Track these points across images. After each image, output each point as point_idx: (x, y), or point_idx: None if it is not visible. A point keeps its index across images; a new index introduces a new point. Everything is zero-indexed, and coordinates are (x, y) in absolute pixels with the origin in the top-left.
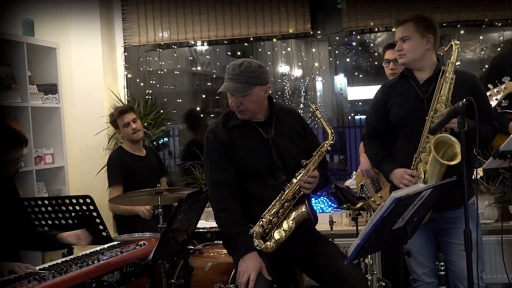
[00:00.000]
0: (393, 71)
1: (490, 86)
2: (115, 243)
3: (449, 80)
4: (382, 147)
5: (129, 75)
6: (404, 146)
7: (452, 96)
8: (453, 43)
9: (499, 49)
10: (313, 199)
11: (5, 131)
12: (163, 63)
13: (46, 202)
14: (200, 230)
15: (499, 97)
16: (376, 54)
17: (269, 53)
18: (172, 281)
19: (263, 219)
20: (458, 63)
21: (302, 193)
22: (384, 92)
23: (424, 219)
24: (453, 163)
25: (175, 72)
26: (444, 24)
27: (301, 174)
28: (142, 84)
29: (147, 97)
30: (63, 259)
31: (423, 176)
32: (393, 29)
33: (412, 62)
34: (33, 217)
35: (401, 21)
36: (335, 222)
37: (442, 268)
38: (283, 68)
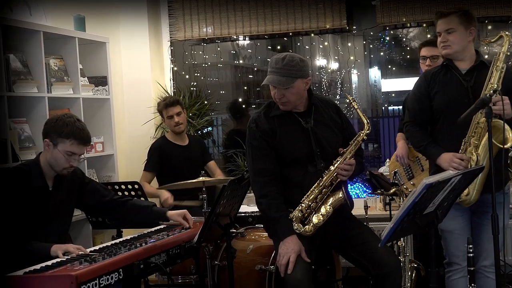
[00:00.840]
0: (429, 68)
1: None
2: (161, 226)
3: (499, 69)
4: (425, 133)
5: (175, 68)
6: (448, 132)
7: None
8: (503, 34)
9: None
10: (349, 185)
11: (71, 123)
12: (207, 56)
13: None
14: (242, 214)
15: None
16: (408, 48)
17: (307, 47)
18: (216, 262)
19: (302, 204)
20: (509, 53)
21: (339, 179)
22: (427, 80)
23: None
24: (507, 146)
25: (219, 65)
26: None
27: (338, 162)
28: (187, 76)
29: (192, 89)
30: (113, 242)
31: (475, 159)
32: (424, 24)
33: (456, 53)
34: None
35: (445, 14)
36: (369, 207)
37: (471, 250)
38: (320, 62)
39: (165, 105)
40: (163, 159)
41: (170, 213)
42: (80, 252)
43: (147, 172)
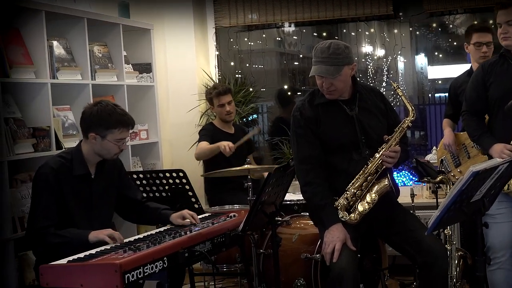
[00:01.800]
0: (484, 54)
1: None
2: (206, 215)
3: None
4: (480, 122)
5: (220, 55)
6: (502, 122)
7: None
8: None
9: None
10: (394, 172)
11: (113, 111)
12: (252, 43)
13: (141, 175)
14: (288, 202)
15: None
16: (454, 34)
17: (353, 34)
18: (261, 251)
19: (348, 192)
20: None
21: (384, 167)
22: (484, 70)
23: None
24: None
25: (264, 52)
26: None
27: (383, 149)
28: (232, 63)
29: (237, 76)
30: (157, 230)
31: None
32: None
33: None
34: None
35: (505, 5)
36: (416, 195)
37: None
38: (366, 49)
39: (217, 94)
40: (213, 143)
41: (172, 216)
42: (118, 243)
43: (204, 141)
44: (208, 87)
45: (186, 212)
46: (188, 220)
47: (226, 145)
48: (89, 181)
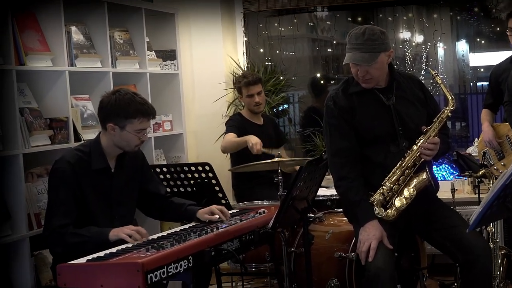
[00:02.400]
0: None
1: None
2: (234, 211)
3: None
4: None
5: (249, 41)
6: None
7: None
8: None
9: None
10: (434, 166)
11: (132, 100)
12: (282, 29)
13: (165, 169)
14: (320, 197)
15: None
16: (498, 19)
17: (390, 19)
18: (292, 249)
19: (384, 187)
20: None
21: (422, 160)
22: None
23: None
24: None
25: (295, 38)
26: None
27: (421, 141)
28: (261, 50)
29: (266, 63)
30: (182, 227)
31: None
32: None
33: None
34: None
35: None
36: (456, 189)
37: None
38: (404, 34)
39: (246, 83)
40: (241, 135)
41: (199, 212)
42: (144, 239)
43: (231, 133)
44: (236, 75)
45: (214, 207)
46: (216, 216)
47: (254, 144)
48: (109, 176)
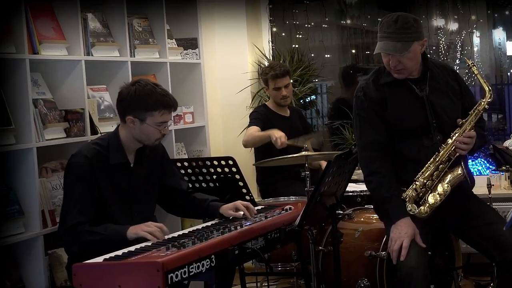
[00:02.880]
0: None
1: None
2: (259, 207)
3: None
4: None
5: (274, 29)
6: None
7: None
8: None
9: None
10: (469, 160)
11: (153, 91)
12: (310, 16)
13: (186, 164)
14: (350, 193)
15: None
16: None
17: (422, 5)
18: (320, 248)
19: (417, 182)
20: None
21: (457, 154)
22: None
23: None
24: None
25: (323, 25)
26: None
27: (456, 134)
28: (288, 38)
29: (293, 52)
30: (204, 225)
31: None
32: None
33: None
34: None
35: None
36: (493, 185)
37: None
38: (437, 22)
39: (273, 76)
40: (265, 128)
41: (223, 207)
42: (166, 236)
43: (254, 126)
44: (261, 65)
45: (239, 203)
46: (241, 212)
47: (278, 138)
48: (128, 171)
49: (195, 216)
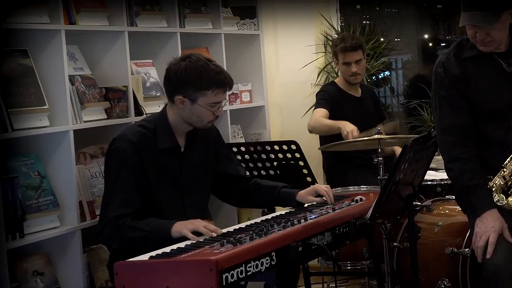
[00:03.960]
0: None
1: None
2: (325, 198)
3: None
4: None
5: None
6: None
7: None
8: None
9: None
10: None
11: (205, 68)
12: None
13: (243, 148)
14: (429, 182)
15: None
16: None
17: None
18: (395, 244)
19: (505, 169)
20: None
21: None
22: None
23: None
24: None
25: None
26: None
27: None
28: (358, 6)
29: (364, 22)
30: (263, 218)
31: None
32: None
33: None
34: None
35: None
36: None
37: None
38: None
39: (343, 49)
40: (334, 111)
41: (301, 193)
42: (214, 234)
43: (322, 109)
44: (328, 36)
45: (319, 187)
46: (323, 198)
47: (350, 132)
48: (179, 156)
49: (260, 204)
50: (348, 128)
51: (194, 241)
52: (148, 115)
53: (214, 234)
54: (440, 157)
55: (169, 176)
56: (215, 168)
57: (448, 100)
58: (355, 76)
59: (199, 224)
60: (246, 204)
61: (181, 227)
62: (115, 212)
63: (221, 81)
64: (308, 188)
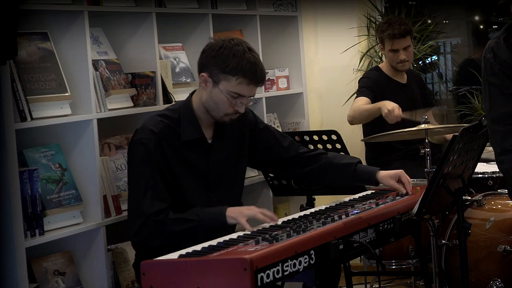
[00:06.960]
0: None
1: None
2: (368, 192)
3: None
4: None
5: None
6: None
7: None
8: None
9: None
10: None
11: (240, 53)
12: None
13: None
14: (479, 175)
15: None
16: None
17: None
18: (443, 241)
19: None
20: None
21: None
22: None
23: None
24: None
25: None
26: None
27: None
28: None
29: (410, 2)
30: (302, 213)
31: None
32: None
33: None
34: None
35: None
36: None
37: None
38: None
39: (391, 36)
40: (377, 99)
41: (382, 173)
42: (271, 222)
43: (364, 97)
44: (371, 18)
45: (404, 174)
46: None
47: (391, 110)
48: (205, 149)
49: (332, 184)
50: (389, 106)
51: (228, 238)
52: (173, 103)
53: (273, 222)
54: (491, 148)
55: (193, 170)
56: (261, 158)
57: (498, 88)
58: (403, 63)
59: (256, 210)
60: (314, 185)
61: (237, 214)
62: (152, 208)
63: (249, 71)
64: (392, 171)
